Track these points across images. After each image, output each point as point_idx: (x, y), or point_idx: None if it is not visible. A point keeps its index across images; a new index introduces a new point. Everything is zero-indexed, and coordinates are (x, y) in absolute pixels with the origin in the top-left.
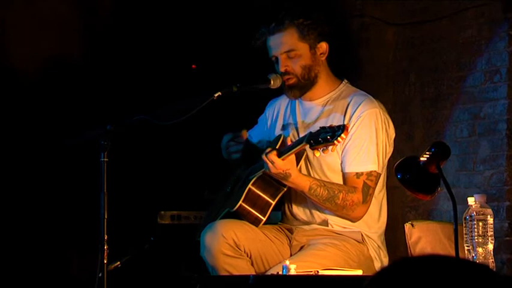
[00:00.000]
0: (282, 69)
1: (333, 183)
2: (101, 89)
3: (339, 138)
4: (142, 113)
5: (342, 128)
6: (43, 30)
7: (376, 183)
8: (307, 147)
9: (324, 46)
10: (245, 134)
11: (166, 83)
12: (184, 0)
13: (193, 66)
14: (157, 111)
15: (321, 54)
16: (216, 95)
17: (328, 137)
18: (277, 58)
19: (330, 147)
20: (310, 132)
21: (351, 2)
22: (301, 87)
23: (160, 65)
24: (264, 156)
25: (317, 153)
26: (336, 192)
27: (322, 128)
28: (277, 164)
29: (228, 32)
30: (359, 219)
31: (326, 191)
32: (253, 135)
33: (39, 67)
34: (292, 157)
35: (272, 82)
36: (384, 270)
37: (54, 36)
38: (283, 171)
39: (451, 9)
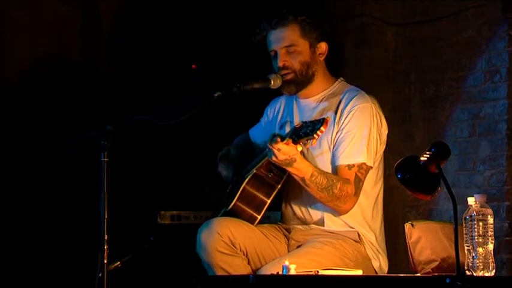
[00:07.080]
0: (280, 64)
1: (331, 174)
2: (101, 89)
3: (318, 132)
4: (142, 113)
5: (322, 121)
6: (43, 30)
7: (365, 176)
8: (290, 142)
9: (323, 47)
10: None
11: (166, 83)
12: (184, 0)
13: (193, 66)
14: (157, 111)
15: (320, 54)
16: (216, 94)
17: (309, 131)
18: (276, 52)
19: (311, 141)
20: (294, 127)
21: (351, 2)
22: (298, 83)
23: (160, 65)
24: (269, 145)
25: (299, 148)
26: (335, 181)
27: (304, 123)
28: (283, 149)
29: (228, 32)
30: (347, 212)
31: (325, 180)
32: (256, 135)
33: (39, 67)
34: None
35: (272, 82)
36: None
37: (54, 37)
38: (289, 157)
39: (451, 9)
